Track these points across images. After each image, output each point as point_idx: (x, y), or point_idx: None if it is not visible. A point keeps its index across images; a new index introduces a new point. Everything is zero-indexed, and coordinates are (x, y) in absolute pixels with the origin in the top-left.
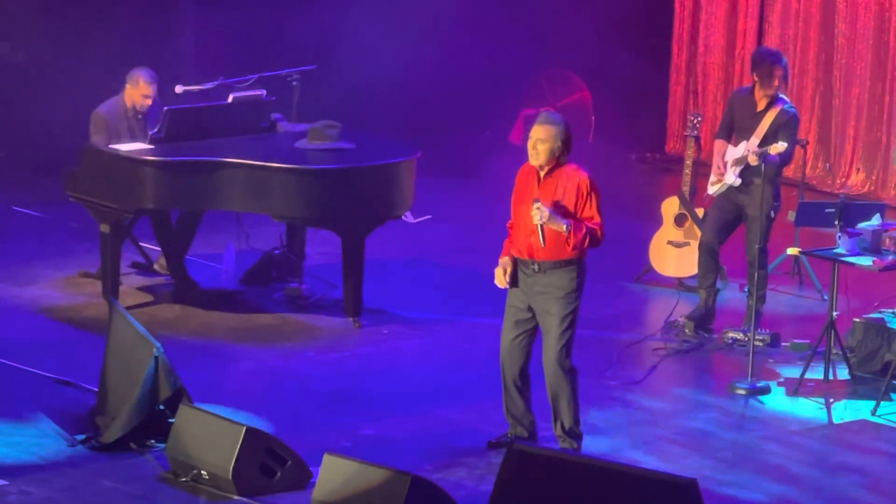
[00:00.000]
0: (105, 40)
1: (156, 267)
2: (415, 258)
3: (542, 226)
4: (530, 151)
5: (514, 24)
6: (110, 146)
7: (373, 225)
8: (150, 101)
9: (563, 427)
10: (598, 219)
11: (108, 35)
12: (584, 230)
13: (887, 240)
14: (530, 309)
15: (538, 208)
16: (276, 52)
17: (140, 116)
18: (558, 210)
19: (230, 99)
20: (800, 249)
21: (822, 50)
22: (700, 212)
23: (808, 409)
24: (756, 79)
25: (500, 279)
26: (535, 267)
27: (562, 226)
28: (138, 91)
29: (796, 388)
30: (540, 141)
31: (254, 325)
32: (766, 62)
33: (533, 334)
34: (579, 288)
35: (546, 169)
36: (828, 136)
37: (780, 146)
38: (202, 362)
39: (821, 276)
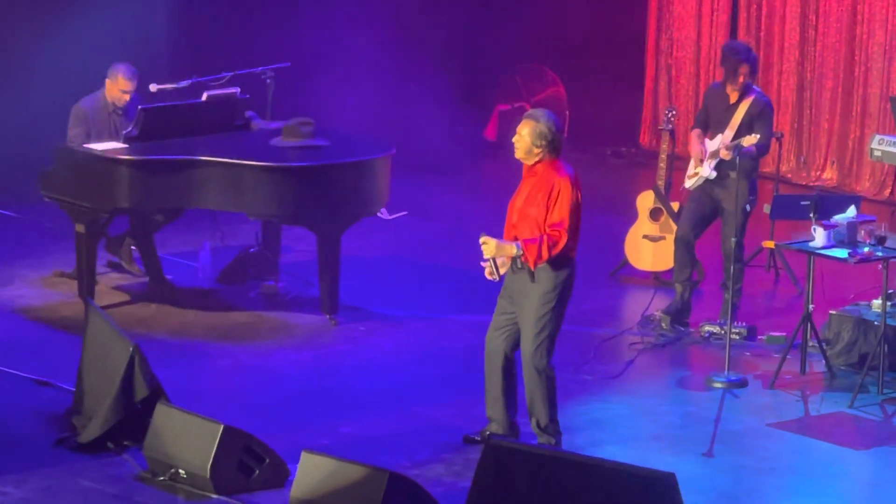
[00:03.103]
0: (80, 39)
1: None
2: (391, 255)
3: (493, 259)
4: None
5: (488, 19)
6: (85, 145)
7: (348, 222)
8: (127, 97)
9: (538, 425)
10: (558, 219)
11: (83, 33)
12: (536, 243)
13: (863, 232)
14: None
15: (484, 243)
16: (249, 50)
17: (120, 112)
18: (530, 206)
19: (204, 97)
20: (775, 242)
21: (796, 43)
22: (675, 206)
23: (785, 401)
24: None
25: (490, 272)
26: (520, 263)
27: (512, 249)
28: (117, 86)
29: (773, 381)
30: (518, 136)
31: (230, 322)
32: (732, 59)
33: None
34: (560, 287)
35: (527, 164)
36: (802, 128)
37: (753, 137)
38: (179, 361)
39: (797, 268)
